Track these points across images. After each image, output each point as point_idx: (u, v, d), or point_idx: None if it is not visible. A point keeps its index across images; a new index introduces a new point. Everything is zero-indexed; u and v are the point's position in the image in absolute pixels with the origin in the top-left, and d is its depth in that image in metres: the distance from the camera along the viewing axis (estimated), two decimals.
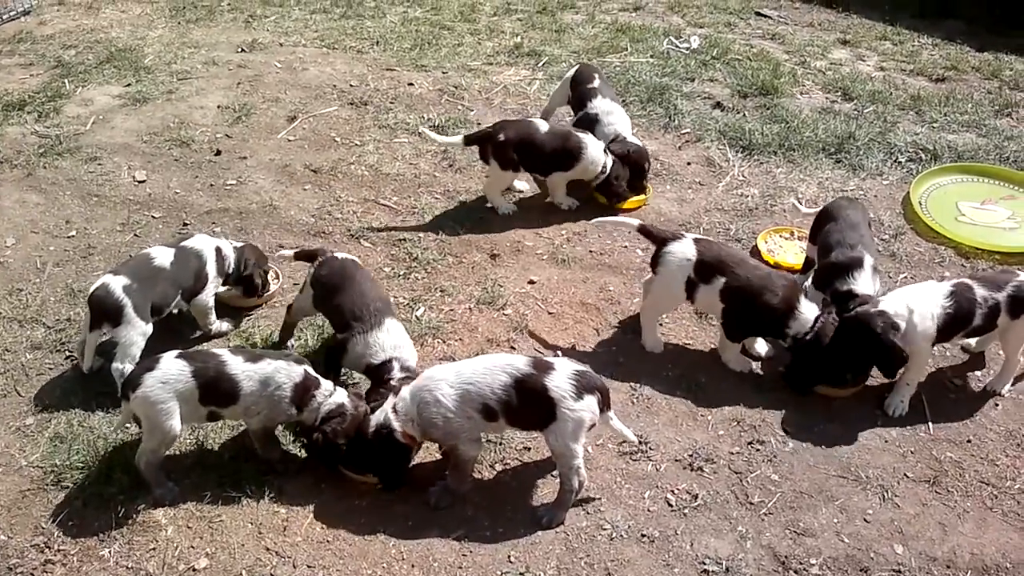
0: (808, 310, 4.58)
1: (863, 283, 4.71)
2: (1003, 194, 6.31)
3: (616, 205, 6.03)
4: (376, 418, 3.94)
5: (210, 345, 4.79)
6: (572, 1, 9.94)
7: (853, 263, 4.75)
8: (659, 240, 4.80)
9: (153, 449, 3.92)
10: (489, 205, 6.03)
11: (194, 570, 3.69)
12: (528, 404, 3.80)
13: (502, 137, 5.74)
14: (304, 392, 3.98)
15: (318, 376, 4.06)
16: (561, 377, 3.81)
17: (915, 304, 4.43)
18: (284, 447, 4.20)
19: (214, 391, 3.91)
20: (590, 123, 6.17)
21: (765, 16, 9.87)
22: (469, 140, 5.87)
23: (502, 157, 5.76)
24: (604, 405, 3.92)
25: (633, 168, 5.99)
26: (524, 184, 6.29)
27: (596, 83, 6.37)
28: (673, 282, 4.72)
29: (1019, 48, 9.00)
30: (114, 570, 3.68)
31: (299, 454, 4.19)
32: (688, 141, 6.96)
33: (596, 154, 5.85)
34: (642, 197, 6.16)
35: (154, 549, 3.77)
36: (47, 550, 3.75)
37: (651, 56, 8.44)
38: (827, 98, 7.77)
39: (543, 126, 5.92)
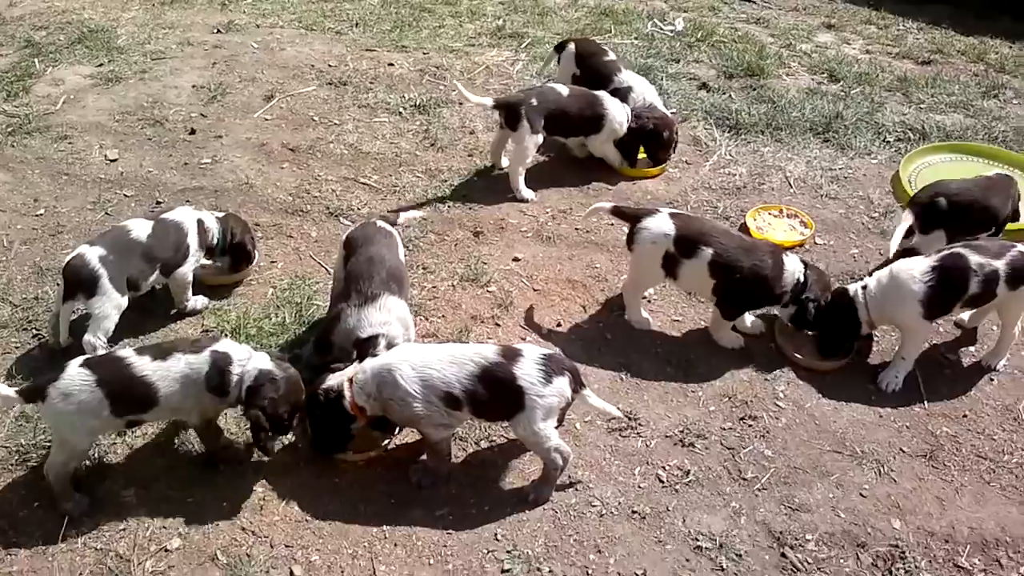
0: (792, 265, 4.47)
1: None
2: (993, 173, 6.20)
3: (627, 169, 6.10)
4: (330, 381, 3.77)
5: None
6: None
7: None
8: (632, 217, 4.65)
9: (63, 462, 3.62)
10: (510, 190, 5.83)
11: (166, 551, 3.53)
12: (495, 393, 3.62)
13: (534, 101, 5.66)
14: (220, 375, 3.60)
15: (227, 351, 3.65)
16: (528, 363, 3.64)
17: (900, 277, 4.35)
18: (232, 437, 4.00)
19: (127, 399, 3.54)
20: (622, 96, 6.13)
21: (749, 1, 9.77)
22: (499, 103, 5.74)
23: (533, 120, 5.63)
24: (577, 384, 3.75)
25: (655, 136, 5.98)
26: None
27: (611, 55, 6.43)
28: (649, 259, 4.56)
29: (1005, 32, 8.98)
30: (82, 552, 3.52)
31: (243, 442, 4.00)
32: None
33: (619, 114, 5.92)
34: (663, 167, 6.16)
35: (124, 530, 3.61)
36: (11, 531, 3.57)
37: (635, 38, 8.33)
38: (813, 79, 7.67)
39: (564, 89, 5.88)
